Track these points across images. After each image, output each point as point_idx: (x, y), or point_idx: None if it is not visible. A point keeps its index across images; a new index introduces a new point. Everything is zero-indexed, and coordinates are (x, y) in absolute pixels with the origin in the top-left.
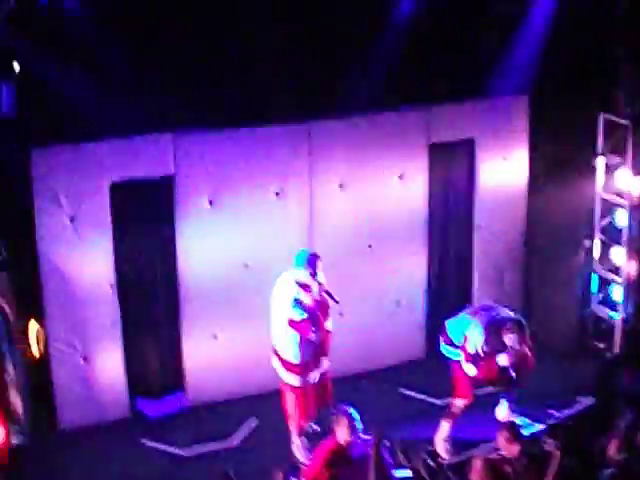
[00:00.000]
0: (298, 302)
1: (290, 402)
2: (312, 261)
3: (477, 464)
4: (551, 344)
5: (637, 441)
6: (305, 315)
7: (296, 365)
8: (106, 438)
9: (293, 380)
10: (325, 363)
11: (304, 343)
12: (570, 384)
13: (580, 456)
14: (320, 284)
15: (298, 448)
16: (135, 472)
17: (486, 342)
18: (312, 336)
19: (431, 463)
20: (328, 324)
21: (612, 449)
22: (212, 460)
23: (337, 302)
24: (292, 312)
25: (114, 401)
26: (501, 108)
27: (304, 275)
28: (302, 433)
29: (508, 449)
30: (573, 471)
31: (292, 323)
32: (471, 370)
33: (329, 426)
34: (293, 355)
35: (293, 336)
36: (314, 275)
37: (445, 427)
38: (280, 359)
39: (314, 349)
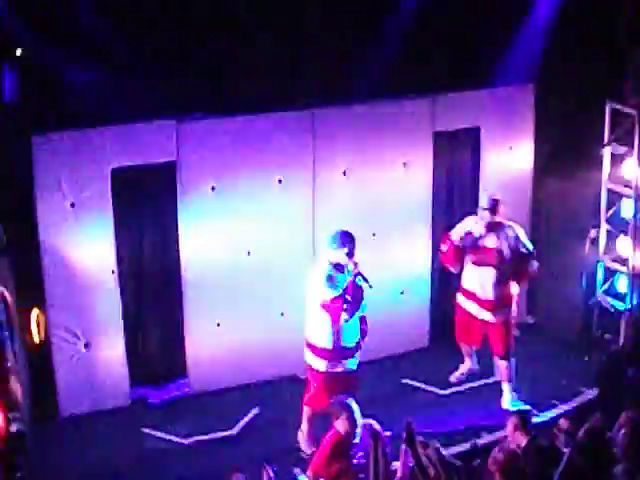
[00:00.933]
0: (331, 279)
1: (314, 387)
2: (347, 240)
3: (498, 456)
4: (555, 334)
5: None
6: (339, 292)
7: (327, 350)
8: (106, 426)
9: (320, 365)
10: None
11: (338, 328)
12: (574, 375)
13: (587, 451)
14: (356, 265)
15: (303, 436)
16: (135, 460)
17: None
18: (344, 316)
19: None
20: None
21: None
22: (212, 449)
23: (370, 286)
24: (325, 290)
25: (115, 389)
26: (506, 97)
27: (338, 255)
28: (312, 422)
29: (516, 438)
30: (580, 467)
31: (324, 304)
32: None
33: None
34: (325, 340)
35: (326, 320)
36: (350, 255)
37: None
38: (310, 344)
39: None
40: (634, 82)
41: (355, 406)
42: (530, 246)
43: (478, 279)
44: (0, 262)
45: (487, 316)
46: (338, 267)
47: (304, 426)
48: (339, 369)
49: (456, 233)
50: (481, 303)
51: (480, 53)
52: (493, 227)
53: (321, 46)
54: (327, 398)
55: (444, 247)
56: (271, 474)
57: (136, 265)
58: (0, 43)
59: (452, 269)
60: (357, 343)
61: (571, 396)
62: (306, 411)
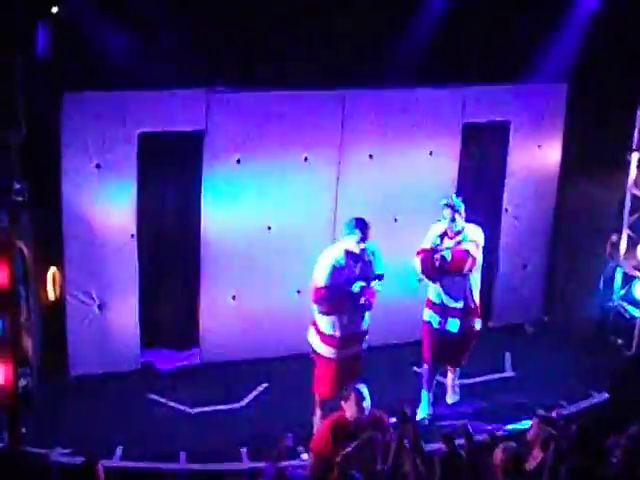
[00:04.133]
0: (336, 268)
1: (321, 373)
2: (361, 226)
3: (498, 454)
4: (569, 336)
5: None
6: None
7: (333, 337)
8: (114, 389)
9: (327, 352)
10: (366, 341)
11: (346, 315)
12: (584, 377)
13: (589, 454)
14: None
15: (316, 420)
16: (139, 425)
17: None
18: (316, 306)
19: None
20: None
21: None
22: (217, 420)
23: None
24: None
25: (126, 352)
26: (539, 94)
27: (352, 242)
28: (323, 406)
29: (535, 439)
30: (582, 469)
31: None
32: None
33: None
34: (332, 326)
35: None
36: (362, 241)
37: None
38: (317, 329)
39: (356, 324)
40: None
41: (366, 392)
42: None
43: (445, 287)
44: (21, 218)
45: (453, 326)
46: (350, 255)
47: (317, 411)
48: (341, 356)
49: (427, 242)
50: (448, 312)
51: (516, 48)
52: (459, 231)
53: (356, 28)
54: (330, 384)
55: (420, 258)
56: (289, 443)
57: (156, 231)
58: (37, 0)
59: (432, 280)
60: (358, 331)
61: (580, 399)
62: (316, 397)
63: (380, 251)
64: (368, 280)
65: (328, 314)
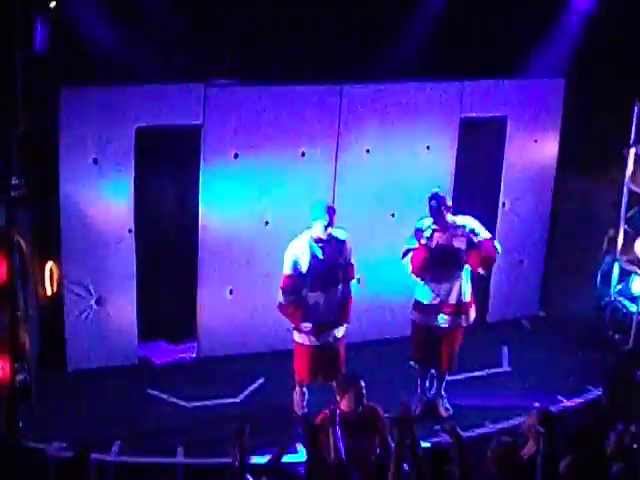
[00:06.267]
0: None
1: (296, 357)
2: (329, 211)
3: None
4: (566, 331)
5: None
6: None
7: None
8: (112, 383)
9: (301, 338)
10: (340, 330)
11: (320, 303)
12: (582, 372)
13: (587, 448)
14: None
15: (295, 396)
16: (136, 420)
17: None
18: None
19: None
20: (347, 288)
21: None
22: (215, 415)
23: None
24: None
25: (124, 346)
26: (536, 89)
27: (319, 227)
28: (301, 385)
29: (533, 435)
30: (581, 463)
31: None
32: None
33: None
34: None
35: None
36: (328, 226)
37: None
38: None
39: (328, 312)
40: None
41: (363, 385)
42: (486, 233)
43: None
44: (19, 212)
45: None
46: (319, 241)
47: (297, 387)
48: (308, 343)
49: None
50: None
51: (514, 43)
52: (446, 225)
53: (355, 22)
54: (305, 370)
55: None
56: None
57: (153, 225)
58: None
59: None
60: (332, 320)
61: (576, 393)
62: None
63: (349, 240)
64: (335, 266)
65: (291, 303)
